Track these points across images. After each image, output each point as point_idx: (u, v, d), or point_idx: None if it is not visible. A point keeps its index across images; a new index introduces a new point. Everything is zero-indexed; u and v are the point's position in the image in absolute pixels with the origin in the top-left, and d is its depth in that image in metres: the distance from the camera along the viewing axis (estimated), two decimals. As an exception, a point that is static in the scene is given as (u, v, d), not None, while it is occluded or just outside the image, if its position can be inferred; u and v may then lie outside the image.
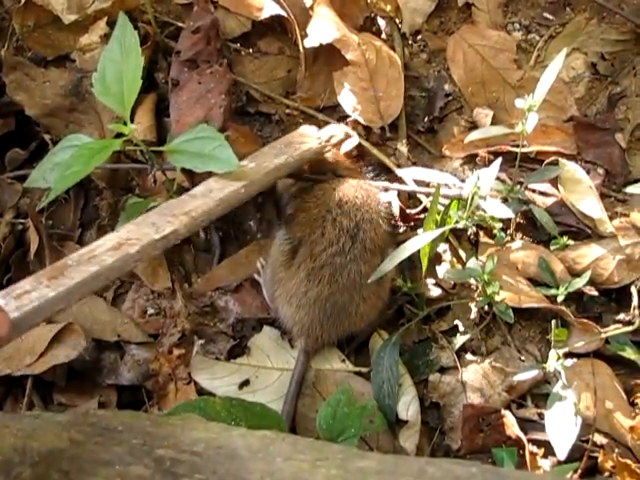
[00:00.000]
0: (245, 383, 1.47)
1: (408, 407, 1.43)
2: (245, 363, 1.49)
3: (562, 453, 1.28)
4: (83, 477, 0.95)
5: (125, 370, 1.55)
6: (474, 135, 1.49)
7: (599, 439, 1.39)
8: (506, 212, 1.34)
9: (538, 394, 1.46)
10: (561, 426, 1.30)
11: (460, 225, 1.41)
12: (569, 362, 1.32)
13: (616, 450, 1.38)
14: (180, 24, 1.73)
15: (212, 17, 1.62)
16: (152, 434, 0.96)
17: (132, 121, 1.64)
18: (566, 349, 1.39)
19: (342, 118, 1.68)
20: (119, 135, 1.41)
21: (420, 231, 1.55)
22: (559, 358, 1.33)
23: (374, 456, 0.89)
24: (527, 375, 1.36)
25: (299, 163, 1.48)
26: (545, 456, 1.39)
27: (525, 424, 1.43)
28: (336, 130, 1.57)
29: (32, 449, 1.00)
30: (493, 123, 1.65)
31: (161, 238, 1.21)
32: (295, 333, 1.48)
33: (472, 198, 1.36)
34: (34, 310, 1.04)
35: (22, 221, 1.70)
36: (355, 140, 1.59)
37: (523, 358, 1.48)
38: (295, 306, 1.45)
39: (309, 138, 1.52)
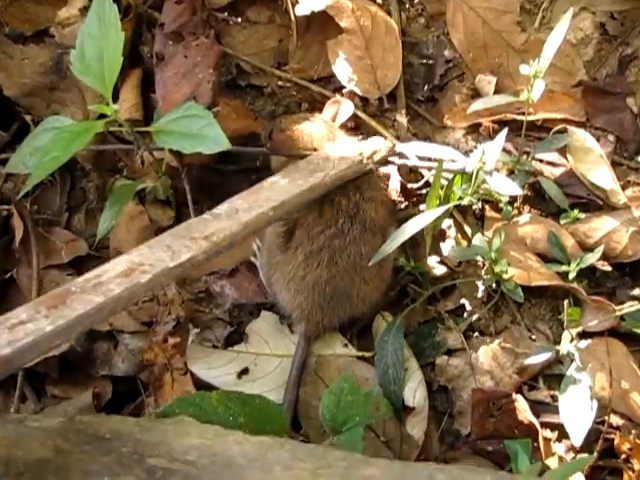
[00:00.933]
0: (244, 372, 1.41)
1: (415, 393, 1.38)
2: (243, 351, 1.43)
3: (578, 439, 1.23)
4: (70, 490, 0.88)
5: (119, 361, 1.50)
6: (477, 105, 1.41)
7: (615, 420, 1.34)
8: (514, 188, 1.26)
9: (550, 375, 1.40)
10: (576, 411, 1.24)
11: (465, 201, 1.33)
12: (583, 344, 1.26)
13: (633, 432, 1.33)
14: (164, -6, 1.63)
15: None
16: (142, 441, 0.90)
17: (116, 99, 1.58)
18: (579, 328, 1.33)
19: (337, 89, 1.59)
20: (102, 116, 1.33)
21: (422, 207, 1.48)
22: (572, 339, 1.26)
23: (379, 463, 0.82)
24: (539, 358, 1.30)
25: (336, 183, 1.35)
26: (559, 439, 1.33)
27: (537, 407, 1.37)
28: (379, 144, 1.46)
29: (17, 459, 0.94)
30: (497, 90, 1.57)
31: (176, 266, 1.09)
32: (295, 318, 1.41)
33: (477, 174, 1.28)
34: (28, 346, 0.93)
35: (6, 207, 1.62)
36: (350, 108, 1.50)
37: (534, 337, 1.42)
38: (293, 291, 1.38)
39: (349, 153, 1.40)
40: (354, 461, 0.83)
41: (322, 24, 1.59)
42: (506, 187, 1.28)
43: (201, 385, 1.40)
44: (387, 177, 1.48)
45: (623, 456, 1.31)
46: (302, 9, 1.54)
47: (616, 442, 1.32)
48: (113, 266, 1.07)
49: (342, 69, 1.56)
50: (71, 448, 0.92)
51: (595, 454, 1.30)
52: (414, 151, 1.45)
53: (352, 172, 1.37)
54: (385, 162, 1.47)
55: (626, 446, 1.31)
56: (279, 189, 1.28)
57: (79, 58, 1.29)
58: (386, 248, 1.29)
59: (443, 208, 1.31)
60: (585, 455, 1.28)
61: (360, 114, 1.56)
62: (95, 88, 1.30)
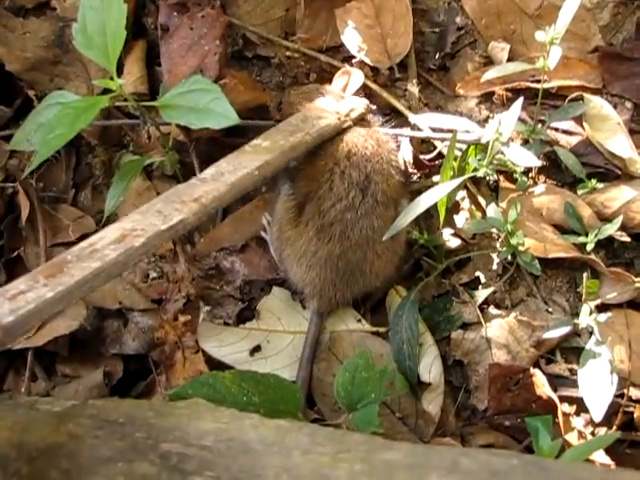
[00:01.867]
0: (256, 349, 1.39)
1: (430, 368, 1.35)
2: (255, 328, 1.41)
3: (598, 414, 1.21)
4: (83, 476, 0.87)
5: (129, 339, 1.48)
6: (491, 73, 1.37)
7: (635, 393, 1.32)
8: (531, 160, 1.22)
9: (568, 348, 1.37)
10: (596, 385, 1.22)
11: (480, 173, 1.30)
12: (602, 317, 1.23)
13: (653, 404, 1.31)
14: (168, -37, 1.59)
15: None
16: (156, 426, 0.88)
17: (121, 73, 1.55)
18: (597, 301, 1.30)
19: (346, 59, 1.55)
20: (107, 90, 1.30)
21: (435, 178, 1.45)
22: (591, 313, 1.24)
23: (401, 447, 0.80)
24: (557, 332, 1.28)
25: (317, 140, 1.34)
26: (578, 414, 1.32)
27: (555, 380, 1.35)
28: (356, 103, 1.43)
29: (29, 444, 0.92)
30: (510, 57, 1.53)
31: (168, 228, 1.09)
32: (307, 294, 1.39)
33: (493, 144, 1.25)
34: (30, 313, 0.92)
35: (12, 184, 1.59)
36: (360, 78, 1.46)
37: (550, 310, 1.39)
38: (305, 266, 1.36)
39: (327, 113, 1.38)
40: (375, 445, 0.81)
41: (331, -9, 1.55)
42: (523, 158, 1.25)
43: (213, 363, 1.38)
44: (399, 148, 1.44)
45: (643, 429, 1.30)
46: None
47: (636, 415, 1.30)
48: (106, 234, 1.07)
49: (351, 38, 1.52)
50: (84, 433, 0.90)
51: (615, 428, 1.29)
52: (427, 122, 1.41)
53: (331, 129, 1.36)
54: (397, 136, 1.44)
55: (646, 419, 1.29)
56: (261, 150, 1.27)
57: (81, 31, 1.25)
58: (400, 222, 1.27)
59: (458, 180, 1.28)
60: (606, 430, 1.27)
61: (370, 84, 1.52)
62: (98, 62, 1.27)
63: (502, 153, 1.33)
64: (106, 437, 0.89)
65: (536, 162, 1.24)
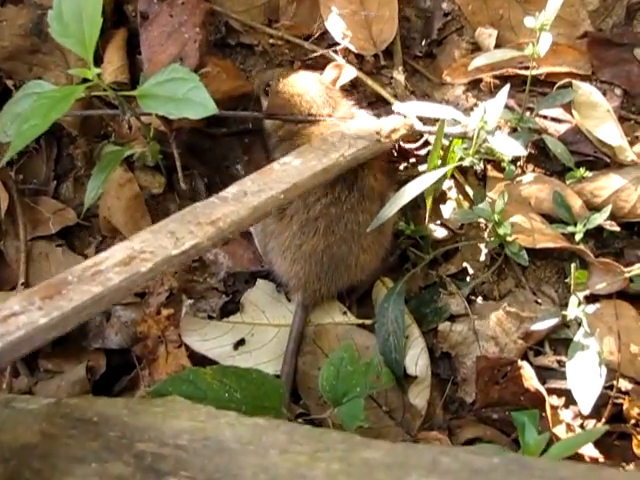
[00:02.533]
0: (240, 343, 1.37)
1: (417, 361, 1.33)
2: (239, 321, 1.38)
3: (586, 408, 1.18)
4: (56, 477, 0.84)
5: (112, 333, 1.45)
6: (479, 61, 1.34)
7: (624, 385, 1.30)
8: (518, 149, 1.19)
9: (556, 339, 1.36)
10: (584, 378, 1.19)
11: (466, 162, 1.28)
12: (591, 308, 1.21)
13: (643, 396, 1.29)
14: (148, -53, 1.55)
15: None
16: (131, 425, 0.86)
17: (101, 61, 1.52)
18: (586, 292, 1.27)
19: (331, 46, 1.52)
20: (86, 80, 1.26)
21: (422, 168, 1.43)
22: (580, 304, 1.21)
23: (381, 445, 0.78)
24: (546, 324, 1.25)
25: (352, 163, 1.28)
26: (566, 406, 1.30)
27: (543, 372, 1.34)
28: (398, 122, 1.36)
29: (3, 444, 0.90)
30: (497, 44, 1.50)
31: (179, 254, 1.02)
32: (291, 287, 1.37)
33: (478, 133, 1.22)
34: (20, 340, 0.86)
35: (-10, 177, 1.56)
36: (352, 73, 1.43)
37: (539, 301, 1.37)
38: (290, 260, 1.33)
39: (366, 132, 1.32)
40: (354, 443, 0.78)
41: (314, -22, 1.52)
42: (509, 147, 1.22)
43: (196, 358, 1.36)
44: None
45: (632, 421, 1.28)
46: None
47: (625, 407, 1.28)
48: (113, 253, 1.00)
49: (336, 25, 1.49)
50: (57, 432, 0.88)
51: (603, 420, 1.27)
52: (413, 111, 1.38)
53: (369, 152, 1.30)
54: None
55: (635, 411, 1.27)
56: (291, 170, 1.20)
57: (57, 19, 1.22)
58: (384, 213, 1.24)
59: (443, 170, 1.25)
60: (595, 423, 1.25)
61: (356, 72, 1.49)
62: (75, 51, 1.23)
63: (489, 142, 1.30)
64: (80, 437, 0.87)
65: (522, 151, 1.22)
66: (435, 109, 1.33)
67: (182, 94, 1.20)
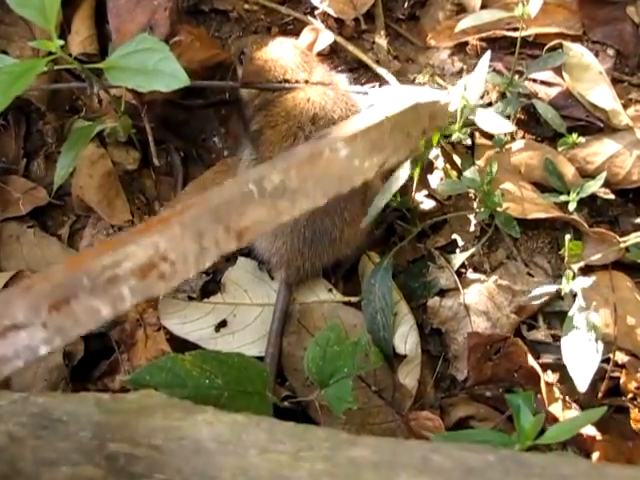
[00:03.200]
0: (222, 324, 1.31)
1: (406, 339, 1.28)
2: (220, 302, 1.33)
3: (582, 385, 1.14)
4: (25, 481, 0.79)
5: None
6: (465, 23, 1.27)
7: (620, 358, 1.26)
8: (504, 125, 1.11)
9: (550, 312, 1.31)
10: (580, 354, 1.14)
11: (453, 138, 1.21)
12: (586, 281, 1.15)
13: (640, 369, 1.25)
14: None
15: None
16: (102, 424, 0.80)
17: (69, 31, 1.44)
18: (581, 263, 1.22)
19: (309, 11, 1.45)
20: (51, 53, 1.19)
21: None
22: (574, 277, 1.16)
23: (368, 442, 0.72)
24: (539, 298, 1.20)
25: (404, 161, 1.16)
26: (562, 381, 1.25)
27: (537, 347, 1.30)
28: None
29: (-34, 447, 0.84)
30: (484, 4, 1.43)
31: (197, 269, 0.92)
32: (274, 265, 1.31)
33: (462, 111, 1.15)
34: (12, 365, 0.82)
35: (-43, 157, 1.50)
36: (329, 38, 1.37)
37: (532, 272, 1.32)
38: (271, 236, 1.28)
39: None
40: (339, 441, 0.73)
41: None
42: (495, 124, 1.14)
43: (176, 341, 1.30)
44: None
45: (630, 395, 1.24)
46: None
47: (622, 381, 1.24)
48: (135, 251, 0.87)
49: (314, -12, 1.42)
50: (25, 434, 0.83)
51: (600, 395, 1.23)
52: (390, 96, 1.30)
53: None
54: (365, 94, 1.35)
55: (633, 385, 1.23)
56: (337, 166, 1.02)
57: (15, -11, 1.15)
58: (379, 204, 1.18)
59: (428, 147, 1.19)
60: (592, 397, 1.21)
61: (335, 37, 1.42)
62: (36, 22, 1.16)
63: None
64: (49, 437, 0.82)
65: (509, 127, 1.14)
66: (413, 93, 1.25)
67: (152, 65, 1.14)
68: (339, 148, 1.01)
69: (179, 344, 1.29)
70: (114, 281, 0.86)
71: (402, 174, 1.17)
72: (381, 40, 1.45)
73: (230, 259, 1.38)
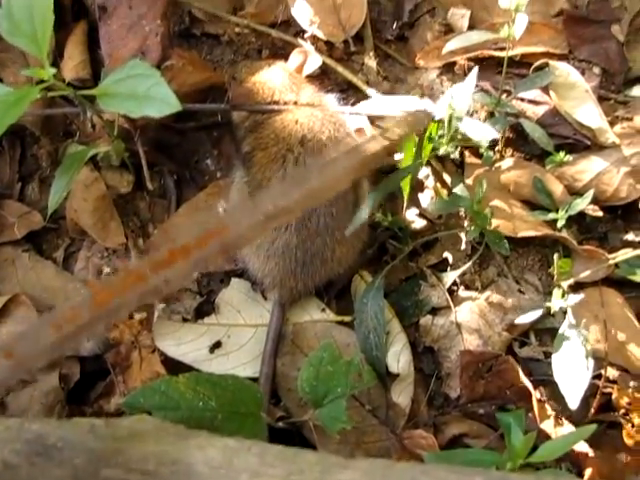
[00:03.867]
0: (216, 345, 1.32)
1: (398, 358, 1.29)
2: (214, 323, 1.34)
3: (574, 402, 1.15)
4: (20, 509, 0.80)
5: (84, 339, 1.40)
6: (453, 44, 1.29)
7: (612, 373, 1.27)
8: (490, 132, 1.13)
9: (542, 329, 1.32)
10: (571, 372, 1.15)
11: (441, 151, 1.23)
12: (576, 298, 1.17)
13: (631, 384, 1.26)
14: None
15: None
16: (96, 451, 0.81)
17: (61, 56, 1.46)
18: (571, 280, 1.23)
19: (299, 33, 1.47)
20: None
21: (397, 157, 1.38)
22: (564, 294, 1.17)
23: (358, 465, 0.73)
24: (529, 317, 1.21)
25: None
26: (554, 398, 1.26)
27: (530, 363, 1.30)
28: None
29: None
30: (471, 24, 1.45)
31: None
32: (267, 285, 1.32)
33: (449, 121, 1.17)
34: None
35: (-49, 183, 1.51)
36: (318, 61, 1.38)
37: (523, 289, 1.33)
38: (263, 257, 1.28)
39: None
40: (330, 464, 0.74)
41: (279, -38, 1.46)
42: (481, 132, 1.15)
43: (171, 363, 1.31)
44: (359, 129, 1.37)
45: (622, 410, 1.24)
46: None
47: (614, 396, 1.25)
48: None
49: (302, 11, 1.44)
50: (20, 461, 0.83)
51: (592, 411, 1.23)
52: (380, 106, 1.32)
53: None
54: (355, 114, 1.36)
55: (625, 400, 1.24)
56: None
57: (7, 18, 1.15)
58: (362, 214, 1.20)
59: (419, 162, 1.20)
60: (584, 413, 1.22)
61: (325, 59, 1.44)
62: (28, 50, 1.17)
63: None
64: (44, 465, 0.82)
65: (494, 134, 1.15)
66: (402, 102, 1.26)
67: (143, 91, 1.14)
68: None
69: (174, 366, 1.30)
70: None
71: (387, 183, 1.18)
72: (370, 61, 1.46)
73: (224, 280, 1.39)
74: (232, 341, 1.32)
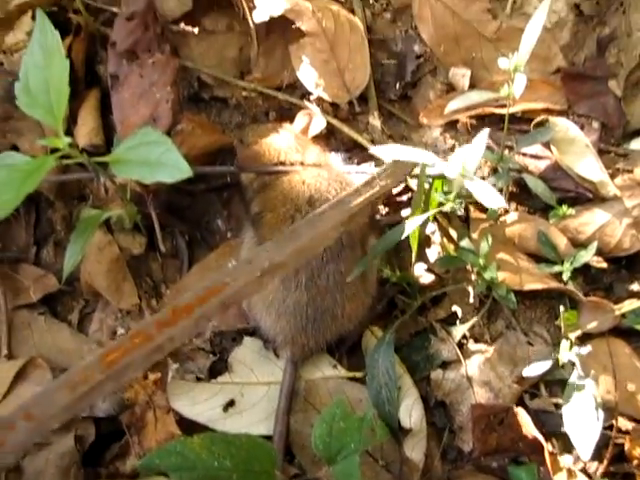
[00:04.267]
0: (230, 404, 1.33)
1: (410, 413, 1.30)
2: (227, 382, 1.35)
3: (586, 453, 1.16)
4: None
5: (100, 401, 1.41)
6: (454, 104, 1.31)
7: (623, 424, 1.27)
8: (498, 201, 1.15)
9: (551, 381, 1.33)
10: (582, 423, 1.17)
11: (447, 207, 1.26)
12: (584, 350, 1.18)
13: (643, 434, 1.26)
14: (115, 9, 1.54)
15: (146, 1, 1.43)
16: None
17: (74, 122, 1.50)
18: (578, 332, 1.25)
19: (305, 95, 1.51)
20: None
21: (404, 212, 1.41)
22: (572, 346, 1.19)
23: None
24: (538, 369, 1.23)
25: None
26: (566, 449, 1.27)
27: (541, 415, 1.31)
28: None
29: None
30: (472, 83, 1.50)
31: None
32: (279, 343, 1.34)
33: (457, 181, 1.20)
34: None
35: (-31, 248, 1.54)
36: (322, 122, 1.42)
37: (531, 341, 1.34)
38: (275, 315, 1.31)
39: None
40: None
41: (283, 29, 1.50)
42: (490, 198, 1.16)
43: (186, 422, 1.32)
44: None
45: (635, 462, 1.24)
46: (260, 15, 1.45)
47: (627, 447, 1.25)
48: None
49: (307, 75, 1.48)
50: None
51: (605, 462, 1.24)
52: (390, 155, 1.35)
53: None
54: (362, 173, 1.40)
55: (638, 451, 1.24)
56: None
57: (24, 90, 1.20)
58: (366, 261, 1.22)
59: (424, 216, 1.23)
60: (597, 465, 1.22)
61: (331, 120, 1.48)
62: (44, 121, 1.22)
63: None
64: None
65: (502, 203, 1.17)
66: (410, 153, 1.30)
67: (155, 158, 1.18)
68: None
69: (189, 425, 1.31)
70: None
71: (390, 237, 1.21)
72: (375, 120, 1.50)
73: (236, 339, 1.41)
74: (246, 399, 1.34)
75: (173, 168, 1.18)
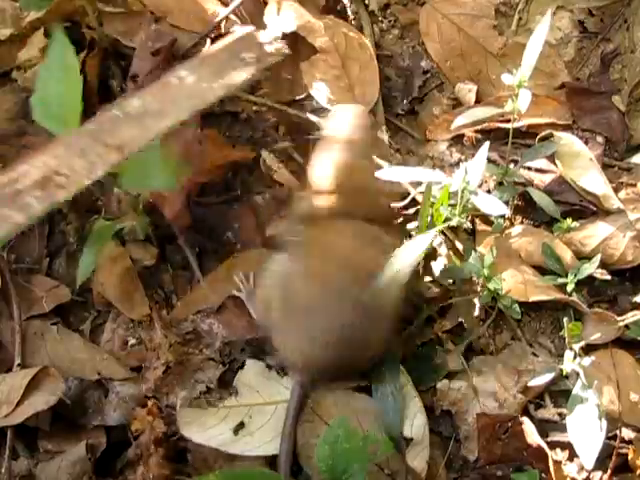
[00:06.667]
0: (240, 426, 1.33)
1: (412, 422, 1.31)
2: (235, 405, 1.36)
3: (589, 462, 1.17)
4: None
5: (111, 409, 1.43)
6: (460, 120, 1.34)
7: (627, 434, 1.28)
8: (501, 208, 1.17)
9: (556, 391, 1.34)
10: (585, 432, 1.18)
11: (453, 222, 1.28)
12: (587, 361, 1.20)
13: (647, 444, 1.27)
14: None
15: (171, 37, 1.48)
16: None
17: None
18: (582, 343, 1.27)
19: (314, 110, 1.54)
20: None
21: (410, 225, 1.43)
22: (576, 357, 1.21)
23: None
24: (543, 379, 1.24)
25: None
26: (571, 459, 1.28)
27: (545, 425, 1.32)
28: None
29: None
30: (478, 98, 1.52)
31: (90, 179, 1.11)
32: (292, 367, 1.34)
33: (462, 194, 1.22)
34: None
35: (-17, 260, 1.56)
36: None
37: (536, 352, 1.36)
38: (294, 342, 1.31)
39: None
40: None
41: (294, 44, 1.53)
42: (493, 207, 1.19)
43: (195, 449, 1.34)
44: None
45: (638, 471, 1.26)
46: (272, 31, 1.48)
47: (630, 457, 1.26)
48: (29, 168, 1.07)
49: (320, 90, 1.51)
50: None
51: (609, 472, 1.25)
52: (396, 177, 1.37)
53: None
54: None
55: (641, 461, 1.26)
56: (188, 89, 1.21)
57: (39, 103, 1.23)
58: (381, 279, 1.21)
59: (432, 232, 1.24)
60: (600, 475, 1.23)
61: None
62: (57, 133, 1.24)
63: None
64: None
65: (505, 210, 1.20)
66: (417, 173, 1.31)
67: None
68: (184, 76, 1.21)
69: (198, 452, 1.34)
70: (18, 194, 1.04)
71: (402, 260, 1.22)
72: (382, 135, 1.53)
73: (245, 349, 1.42)
74: (254, 421, 1.34)
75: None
